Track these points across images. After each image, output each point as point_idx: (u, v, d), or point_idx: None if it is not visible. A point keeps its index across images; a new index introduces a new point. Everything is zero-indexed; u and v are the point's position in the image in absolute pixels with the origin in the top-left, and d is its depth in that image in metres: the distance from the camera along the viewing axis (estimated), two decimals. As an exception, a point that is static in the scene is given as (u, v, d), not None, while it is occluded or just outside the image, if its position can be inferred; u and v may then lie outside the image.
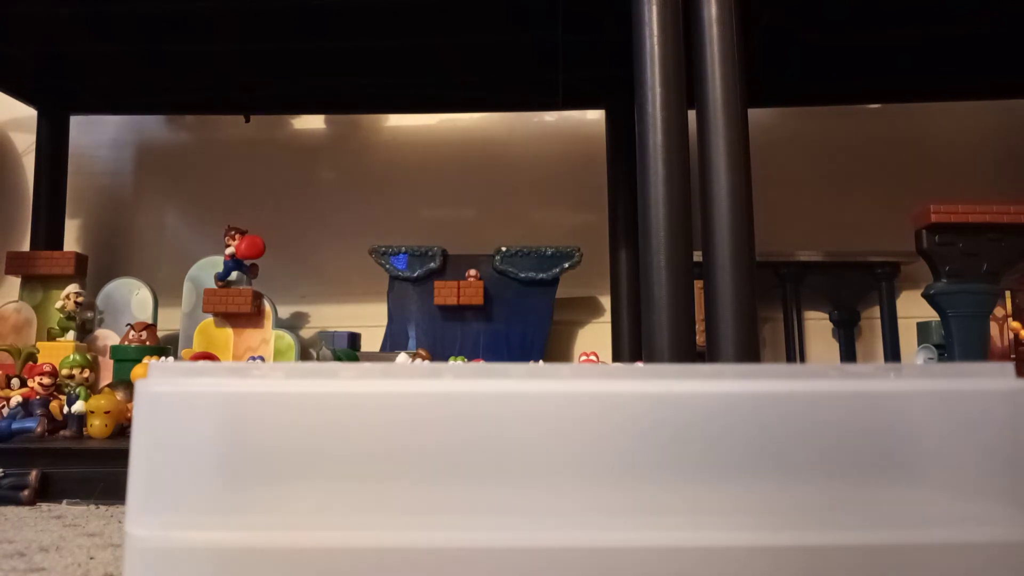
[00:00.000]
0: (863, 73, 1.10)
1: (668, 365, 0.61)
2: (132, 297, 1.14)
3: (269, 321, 1.08)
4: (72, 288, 1.10)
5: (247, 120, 1.28)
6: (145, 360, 0.97)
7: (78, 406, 0.77)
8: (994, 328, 0.86)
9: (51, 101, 1.22)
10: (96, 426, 0.76)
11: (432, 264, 1.13)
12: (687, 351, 0.62)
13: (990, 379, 0.28)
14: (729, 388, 0.28)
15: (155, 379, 0.28)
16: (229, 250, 1.08)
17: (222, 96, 1.20)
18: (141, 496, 0.27)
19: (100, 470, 0.68)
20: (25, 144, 1.33)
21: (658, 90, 0.66)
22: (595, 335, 1.22)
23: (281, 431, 0.28)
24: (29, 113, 1.24)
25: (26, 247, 1.21)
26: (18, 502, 0.65)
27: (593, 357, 0.97)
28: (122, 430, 0.78)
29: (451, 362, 0.97)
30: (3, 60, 1.06)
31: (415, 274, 1.13)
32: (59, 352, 1.02)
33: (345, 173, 1.31)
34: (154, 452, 0.27)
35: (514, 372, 0.29)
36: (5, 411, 0.81)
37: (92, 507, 0.66)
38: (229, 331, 1.07)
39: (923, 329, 0.99)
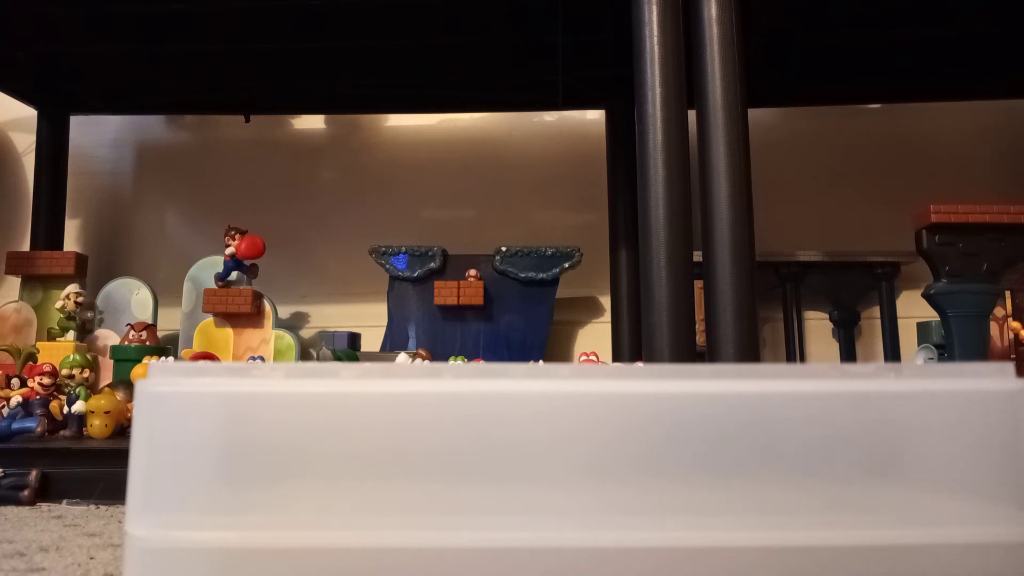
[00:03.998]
0: (863, 73, 1.10)
1: (668, 365, 0.61)
2: (132, 297, 1.14)
3: (269, 321, 1.08)
4: (72, 288, 1.10)
5: (247, 120, 1.27)
6: (145, 360, 0.97)
7: (78, 406, 0.77)
8: (994, 328, 0.86)
9: (51, 101, 1.21)
10: (96, 426, 0.76)
11: (432, 264, 1.13)
12: (687, 351, 0.62)
13: (990, 379, 0.28)
14: (729, 388, 0.28)
15: (155, 379, 0.28)
16: (229, 250, 1.08)
17: (222, 96, 1.20)
18: (141, 496, 0.27)
19: (100, 470, 0.68)
20: (25, 144, 1.33)
21: (658, 90, 0.66)
22: (595, 335, 1.22)
23: (281, 431, 0.28)
24: (29, 113, 1.24)
25: (26, 247, 1.21)
26: (18, 502, 0.65)
27: (593, 357, 0.97)
28: (122, 430, 0.78)
29: (451, 362, 0.97)
30: (3, 60, 1.06)
31: (415, 274, 1.13)
32: (59, 352, 1.02)
33: (345, 173, 1.31)
34: (154, 452, 0.27)
35: (514, 372, 0.29)
36: (5, 411, 0.81)
37: (92, 507, 0.66)
38: (229, 331, 1.07)
39: (923, 329, 0.99)
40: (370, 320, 1.19)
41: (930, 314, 0.84)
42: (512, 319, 1.11)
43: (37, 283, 1.15)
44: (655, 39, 0.67)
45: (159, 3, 0.88)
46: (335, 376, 0.29)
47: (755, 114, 0.80)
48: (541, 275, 1.11)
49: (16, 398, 0.83)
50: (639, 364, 0.76)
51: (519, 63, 1.06)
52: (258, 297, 1.07)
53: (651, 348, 0.63)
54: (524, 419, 0.28)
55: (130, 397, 0.82)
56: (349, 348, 1.07)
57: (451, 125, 1.31)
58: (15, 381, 0.88)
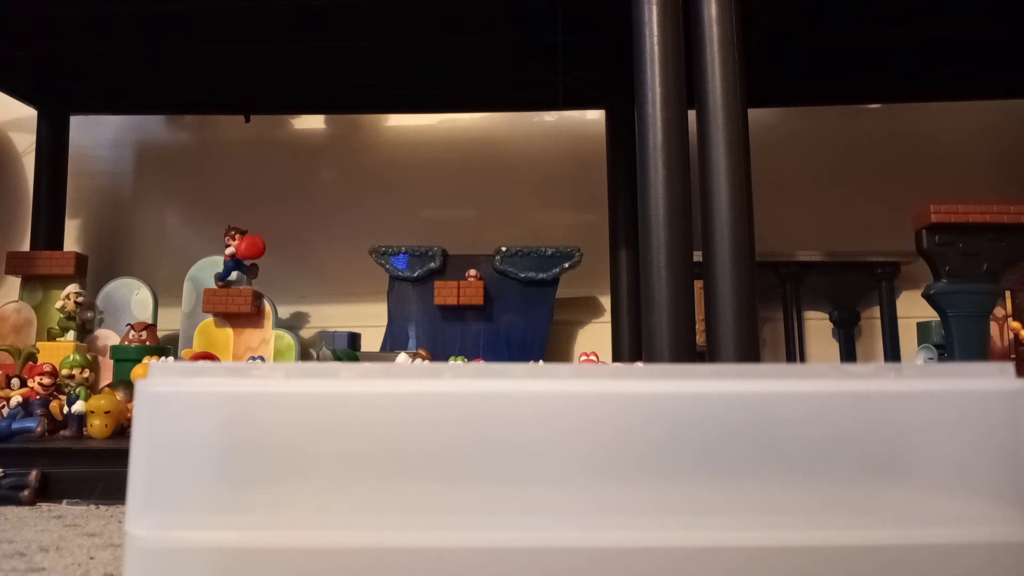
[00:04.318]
0: (863, 73, 1.10)
1: (668, 365, 0.61)
2: (132, 297, 1.14)
3: (269, 321, 1.08)
4: (72, 288, 1.10)
5: (247, 120, 1.28)
6: (145, 360, 0.97)
7: (78, 406, 0.77)
8: (994, 328, 0.86)
9: (51, 101, 1.21)
10: (96, 426, 0.76)
11: (432, 264, 1.13)
12: (687, 351, 0.62)
13: (990, 379, 0.28)
14: (729, 388, 0.28)
15: (155, 379, 0.28)
16: (229, 250, 1.08)
17: (222, 96, 1.20)
18: (141, 496, 0.27)
19: (100, 470, 0.68)
20: (25, 144, 1.33)
21: (658, 90, 0.66)
22: (595, 335, 1.22)
23: (281, 431, 0.28)
24: (29, 113, 1.24)
25: (26, 247, 1.21)
26: (18, 502, 0.65)
27: (593, 357, 0.97)
28: (122, 430, 0.78)
29: (451, 362, 0.97)
30: (3, 60, 1.06)
31: (415, 274, 1.13)
32: (59, 352, 1.02)
33: (345, 173, 1.31)
34: (154, 452, 0.27)
35: (514, 372, 0.29)
36: (5, 411, 0.81)
37: (92, 507, 0.66)
38: (229, 331, 1.07)
39: (923, 329, 0.99)
40: (370, 320, 1.19)
41: (930, 314, 0.84)
42: (512, 319, 1.11)
43: (37, 283, 1.15)
44: (655, 39, 0.67)
45: (159, 3, 0.88)
46: (335, 376, 0.29)
47: (755, 114, 0.80)
48: (541, 275, 1.11)
49: (16, 398, 0.83)
50: (639, 364, 0.76)
51: (519, 63, 1.06)
52: (258, 297, 1.07)
53: (651, 348, 0.63)
54: (524, 419, 0.28)
55: (130, 397, 0.82)
56: (349, 348, 1.07)
57: (451, 125, 1.31)
58: (15, 381, 0.88)
